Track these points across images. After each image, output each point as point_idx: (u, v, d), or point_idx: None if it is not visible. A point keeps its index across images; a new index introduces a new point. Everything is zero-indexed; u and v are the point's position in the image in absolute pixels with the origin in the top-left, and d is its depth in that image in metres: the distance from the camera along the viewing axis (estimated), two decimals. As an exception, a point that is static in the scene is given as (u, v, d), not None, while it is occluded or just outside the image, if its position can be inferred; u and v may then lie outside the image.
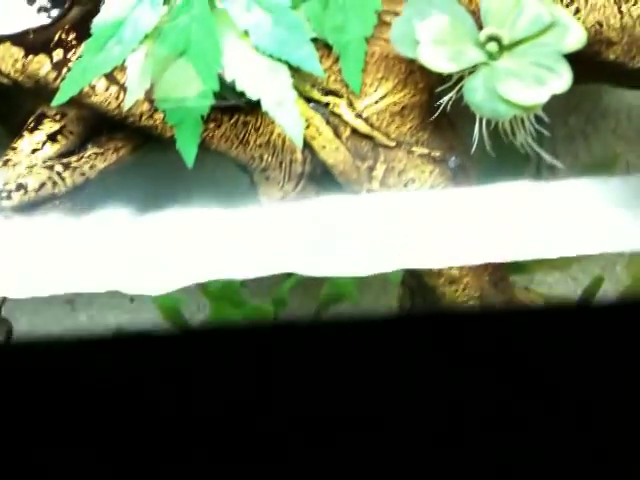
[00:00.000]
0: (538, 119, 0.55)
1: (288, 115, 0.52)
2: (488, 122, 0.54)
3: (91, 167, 0.56)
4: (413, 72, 0.56)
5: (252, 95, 0.52)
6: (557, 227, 0.56)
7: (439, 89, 0.55)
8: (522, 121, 0.55)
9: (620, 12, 0.55)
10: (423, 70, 0.54)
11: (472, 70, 0.53)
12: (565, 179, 0.58)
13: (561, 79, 0.52)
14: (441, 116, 0.56)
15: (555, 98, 0.54)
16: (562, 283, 0.68)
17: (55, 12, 0.55)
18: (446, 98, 0.55)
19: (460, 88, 0.53)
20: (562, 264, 0.68)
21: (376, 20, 0.55)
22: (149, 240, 0.54)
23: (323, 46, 0.55)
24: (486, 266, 0.56)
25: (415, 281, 0.60)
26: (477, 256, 0.55)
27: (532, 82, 0.52)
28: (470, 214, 0.56)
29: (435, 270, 0.56)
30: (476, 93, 0.52)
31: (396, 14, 0.56)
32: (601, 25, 0.55)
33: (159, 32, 0.53)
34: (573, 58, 0.53)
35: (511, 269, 0.61)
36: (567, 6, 0.55)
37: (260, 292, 0.65)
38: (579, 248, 0.55)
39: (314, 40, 0.54)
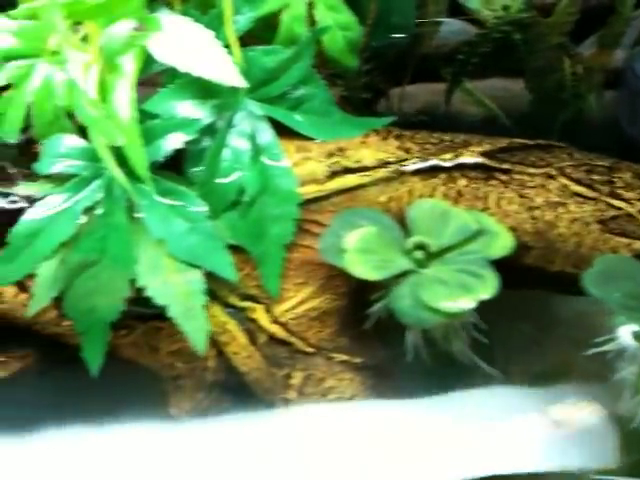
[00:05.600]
0: (476, 326, 0.53)
1: (193, 322, 0.51)
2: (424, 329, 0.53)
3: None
4: (333, 277, 0.56)
5: (160, 302, 0.51)
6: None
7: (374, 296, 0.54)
8: (456, 329, 0.54)
9: (533, 218, 0.55)
10: (344, 275, 0.54)
11: (402, 278, 0.53)
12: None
13: (487, 286, 0.51)
14: (364, 322, 0.55)
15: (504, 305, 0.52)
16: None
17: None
18: (377, 306, 0.54)
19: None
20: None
21: (294, 228, 0.56)
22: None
23: (243, 253, 0.55)
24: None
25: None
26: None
27: (458, 289, 0.51)
28: (398, 429, 0.52)
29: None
30: (402, 301, 0.51)
31: (316, 222, 0.56)
32: (515, 230, 0.55)
33: (75, 240, 0.53)
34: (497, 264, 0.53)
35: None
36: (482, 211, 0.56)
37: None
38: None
39: (233, 247, 0.54)
